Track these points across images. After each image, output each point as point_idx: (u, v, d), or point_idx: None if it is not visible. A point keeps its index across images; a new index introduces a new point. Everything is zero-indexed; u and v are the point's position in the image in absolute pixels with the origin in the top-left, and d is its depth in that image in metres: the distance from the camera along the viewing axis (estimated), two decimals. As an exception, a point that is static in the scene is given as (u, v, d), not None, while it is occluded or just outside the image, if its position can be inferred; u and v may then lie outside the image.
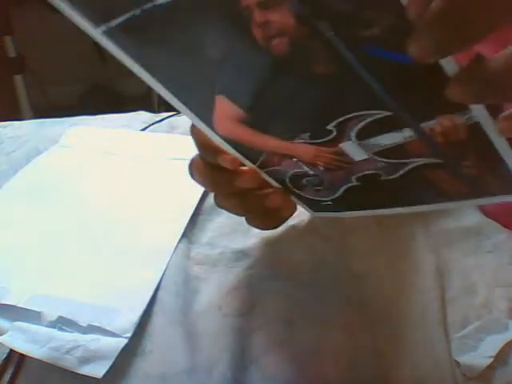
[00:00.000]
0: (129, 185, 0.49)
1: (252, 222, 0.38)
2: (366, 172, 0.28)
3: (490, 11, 0.14)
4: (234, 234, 0.43)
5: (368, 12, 0.17)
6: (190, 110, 0.28)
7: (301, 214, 0.44)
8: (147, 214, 0.45)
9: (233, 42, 0.22)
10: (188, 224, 0.44)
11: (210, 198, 0.47)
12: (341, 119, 0.24)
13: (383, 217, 0.43)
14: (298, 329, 0.35)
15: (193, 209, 0.45)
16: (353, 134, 0.25)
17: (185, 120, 0.61)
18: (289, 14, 0.19)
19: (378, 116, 0.22)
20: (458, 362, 0.32)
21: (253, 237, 0.42)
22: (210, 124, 0.29)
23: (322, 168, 0.29)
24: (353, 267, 0.39)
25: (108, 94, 2.11)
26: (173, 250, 0.41)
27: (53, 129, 0.60)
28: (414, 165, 0.25)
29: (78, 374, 0.31)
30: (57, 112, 0.74)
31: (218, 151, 0.31)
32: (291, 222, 0.43)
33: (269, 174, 0.33)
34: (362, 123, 0.24)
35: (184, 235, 0.43)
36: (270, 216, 0.37)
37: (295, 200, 0.36)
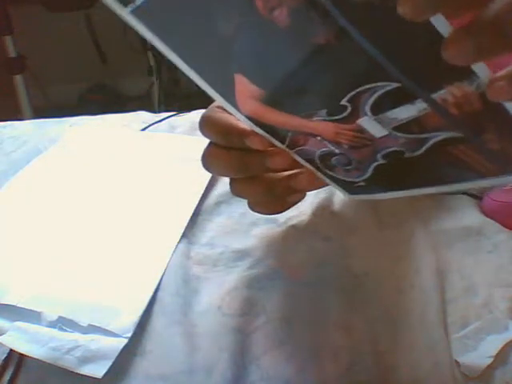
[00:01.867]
0: (129, 185, 0.49)
1: (259, 206, 0.37)
2: (390, 149, 0.28)
3: None
4: (234, 234, 0.43)
5: None
6: (215, 89, 0.27)
7: (301, 214, 0.44)
8: (147, 214, 0.45)
9: (241, 17, 0.22)
10: (188, 224, 0.44)
11: (210, 198, 0.47)
12: (352, 93, 0.24)
13: (383, 216, 0.43)
14: (297, 329, 0.35)
15: (193, 209, 0.45)
16: (367, 109, 0.24)
17: (185, 120, 0.61)
18: None
19: (388, 88, 0.22)
20: (458, 362, 0.32)
21: (253, 237, 0.42)
22: (234, 104, 0.28)
23: (346, 146, 0.29)
24: (353, 267, 0.39)
25: (108, 94, 2.11)
26: (173, 250, 0.41)
27: (53, 129, 0.60)
28: (436, 140, 0.25)
29: (78, 374, 0.31)
30: (57, 112, 0.74)
31: (244, 133, 0.30)
32: (291, 222, 0.43)
33: (299, 154, 0.32)
34: (374, 96, 0.23)
35: (184, 235, 0.43)
36: (283, 200, 0.36)
37: (330, 183, 0.34)
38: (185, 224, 0.44)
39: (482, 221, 0.42)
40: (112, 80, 2.05)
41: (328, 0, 0.19)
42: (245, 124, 0.30)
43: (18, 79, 1.56)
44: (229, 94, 0.28)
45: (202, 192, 0.47)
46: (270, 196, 0.35)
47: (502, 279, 0.37)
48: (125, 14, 0.22)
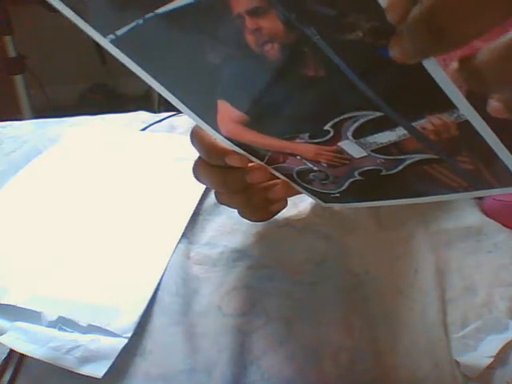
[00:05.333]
0: (129, 185, 0.49)
1: (246, 215, 0.39)
2: (367, 168, 0.29)
3: (469, 22, 0.14)
4: (234, 234, 0.43)
5: (349, 16, 0.18)
6: (195, 112, 0.28)
7: (301, 214, 0.44)
8: (147, 214, 0.45)
9: (229, 48, 0.23)
10: (188, 224, 0.44)
11: (210, 198, 0.47)
12: (336, 120, 0.25)
13: (383, 216, 0.43)
14: (297, 329, 0.35)
15: (193, 209, 0.45)
16: (349, 134, 0.26)
17: (185, 120, 0.61)
18: (277, 20, 0.20)
19: (371, 116, 0.23)
20: (458, 362, 0.32)
21: (253, 237, 0.42)
22: (214, 126, 0.30)
23: (324, 165, 0.30)
24: (353, 267, 0.39)
25: (108, 94, 2.11)
26: (173, 250, 0.41)
27: (53, 129, 0.60)
28: (412, 160, 0.26)
29: (78, 374, 0.31)
30: (57, 112, 0.74)
31: (224, 152, 0.32)
32: (291, 221, 0.43)
33: (276, 169, 0.34)
34: (357, 123, 0.24)
35: (184, 235, 0.43)
36: (267, 209, 0.38)
37: (306, 193, 0.37)
38: (185, 224, 0.44)
39: (483, 221, 0.42)
40: (112, 80, 2.05)
41: (319, 36, 0.19)
42: (224, 143, 0.32)
43: (18, 79, 1.56)
44: (209, 117, 0.29)
45: (201, 192, 0.47)
46: (250, 207, 0.38)
47: (502, 279, 0.37)
48: (104, 43, 0.22)
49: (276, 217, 0.43)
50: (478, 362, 0.32)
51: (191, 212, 0.45)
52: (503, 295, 0.36)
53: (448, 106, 0.20)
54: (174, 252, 0.41)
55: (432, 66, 0.17)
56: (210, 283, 0.38)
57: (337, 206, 0.36)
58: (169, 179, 0.49)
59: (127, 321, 0.34)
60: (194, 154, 0.35)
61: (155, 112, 0.65)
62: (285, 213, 0.41)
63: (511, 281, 0.37)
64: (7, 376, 0.32)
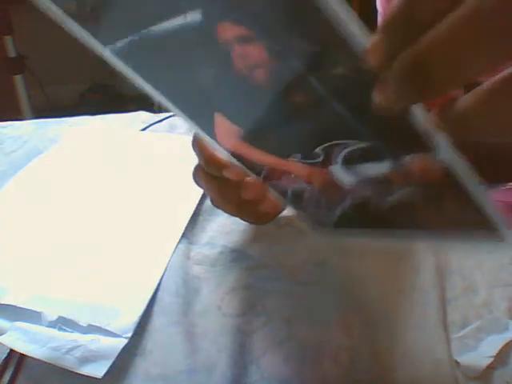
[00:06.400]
0: (129, 185, 0.49)
1: (241, 219, 0.40)
2: (358, 197, 0.29)
3: (458, 70, 0.14)
4: (234, 234, 0.43)
5: (333, 54, 0.18)
6: (195, 122, 0.29)
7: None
8: (147, 214, 0.45)
9: (219, 70, 0.23)
10: (188, 224, 0.44)
11: (210, 198, 0.47)
12: (326, 144, 0.25)
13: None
14: (297, 329, 0.35)
15: (193, 209, 0.45)
16: (339, 160, 0.26)
17: (185, 120, 0.61)
18: (263, 50, 0.20)
19: (359, 146, 0.23)
20: (458, 362, 0.32)
21: (252, 237, 0.42)
22: (213, 136, 0.30)
23: (316, 189, 0.30)
24: (353, 267, 0.39)
25: (108, 94, 2.11)
26: (173, 250, 0.41)
27: (53, 129, 0.60)
28: (402, 194, 0.26)
29: (78, 373, 0.31)
30: (57, 112, 0.74)
31: (222, 165, 0.32)
32: (291, 221, 0.43)
33: (272, 187, 0.34)
34: (347, 150, 0.24)
35: (184, 235, 0.43)
36: (260, 218, 0.39)
37: (298, 215, 0.36)
38: (185, 224, 0.44)
39: (482, 221, 0.42)
40: (112, 80, 2.05)
41: (304, 68, 0.19)
42: (222, 154, 0.32)
43: (18, 79, 1.56)
44: (208, 128, 0.29)
45: (202, 192, 0.47)
46: (243, 215, 0.39)
47: (502, 279, 0.37)
48: (104, 53, 0.22)
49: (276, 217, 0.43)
50: (478, 362, 0.32)
51: (191, 212, 0.45)
52: (503, 295, 0.36)
53: (431, 144, 0.19)
54: (174, 252, 0.41)
55: (415, 108, 0.17)
56: (209, 283, 0.38)
57: (328, 234, 0.36)
58: (169, 179, 0.49)
59: (127, 321, 0.34)
60: (193, 154, 0.35)
61: (155, 112, 0.65)
62: (285, 213, 0.41)
63: (511, 281, 0.37)
64: (7, 376, 0.32)
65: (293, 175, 0.30)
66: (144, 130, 0.60)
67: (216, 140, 0.30)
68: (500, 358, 0.32)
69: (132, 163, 0.52)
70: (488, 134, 0.15)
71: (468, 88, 0.16)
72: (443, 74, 0.14)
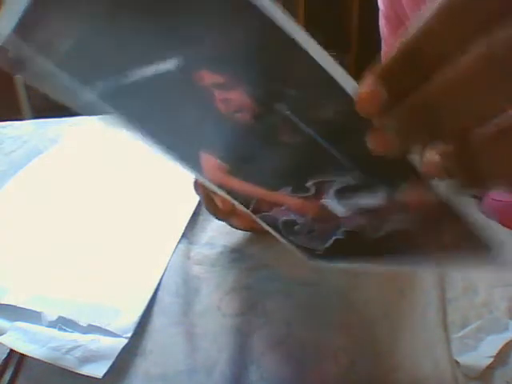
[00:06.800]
0: (129, 185, 0.49)
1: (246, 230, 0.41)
2: (351, 227, 0.29)
3: (465, 115, 0.14)
4: (234, 234, 0.43)
5: (317, 98, 0.18)
6: (180, 160, 0.28)
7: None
8: (147, 214, 0.45)
9: (202, 112, 0.23)
10: (188, 224, 0.44)
11: (210, 198, 0.47)
12: (316, 180, 0.25)
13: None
14: (297, 329, 0.35)
15: (193, 209, 0.45)
16: (331, 193, 0.25)
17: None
18: (245, 96, 0.19)
19: (351, 182, 0.23)
20: (458, 362, 0.32)
21: (252, 237, 0.42)
22: (201, 172, 0.29)
23: (309, 218, 0.30)
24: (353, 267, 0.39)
25: (108, 94, 2.10)
26: (173, 250, 0.41)
27: (53, 129, 0.60)
28: (395, 224, 0.26)
29: (78, 373, 0.31)
30: (57, 112, 0.74)
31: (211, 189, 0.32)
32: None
33: (262, 219, 0.34)
34: (338, 185, 0.24)
35: (184, 235, 0.43)
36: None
37: (290, 248, 0.36)
38: (185, 224, 0.44)
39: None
40: (112, 80, 2.05)
41: (289, 112, 0.19)
42: (212, 188, 0.31)
43: (18, 79, 1.56)
44: (196, 166, 0.29)
45: (202, 192, 0.47)
46: (246, 226, 0.40)
47: (502, 279, 0.37)
48: (84, 95, 0.22)
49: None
50: (478, 362, 0.32)
51: (191, 212, 0.45)
52: (503, 295, 0.36)
53: (426, 178, 0.19)
54: (174, 252, 0.41)
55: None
56: (209, 283, 0.38)
57: (320, 264, 0.35)
58: (169, 179, 0.49)
59: (127, 321, 0.34)
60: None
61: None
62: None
63: (511, 281, 0.37)
64: (7, 376, 0.32)
65: (283, 207, 0.30)
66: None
67: (204, 176, 0.30)
68: (500, 357, 0.32)
69: (132, 163, 0.52)
70: (493, 179, 0.15)
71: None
72: (455, 117, 0.14)
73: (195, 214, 0.45)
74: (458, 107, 0.14)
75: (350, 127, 0.18)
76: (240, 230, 0.40)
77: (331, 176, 0.23)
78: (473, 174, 0.15)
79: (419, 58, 0.14)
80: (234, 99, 0.20)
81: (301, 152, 0.23)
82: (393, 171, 0.20)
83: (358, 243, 0.30)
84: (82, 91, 0.22)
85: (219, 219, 0.38)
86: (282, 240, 0.35)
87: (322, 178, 0.24)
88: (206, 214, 0.45)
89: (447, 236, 0.24)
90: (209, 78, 0.19)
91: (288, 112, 0.19)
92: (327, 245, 0.32)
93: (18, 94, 1.58)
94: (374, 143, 0.16)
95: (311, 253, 0.35)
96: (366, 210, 0.25)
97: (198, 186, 0.36)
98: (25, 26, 0.17)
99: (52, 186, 0.49)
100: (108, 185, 0.49)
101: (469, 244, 0.23)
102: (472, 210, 0.21)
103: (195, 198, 0.46)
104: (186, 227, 0.43)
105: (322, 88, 0.17)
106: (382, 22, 0.53)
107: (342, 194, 0.25)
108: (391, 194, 0.22)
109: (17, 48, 0.19)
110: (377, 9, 0.53)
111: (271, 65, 0.17)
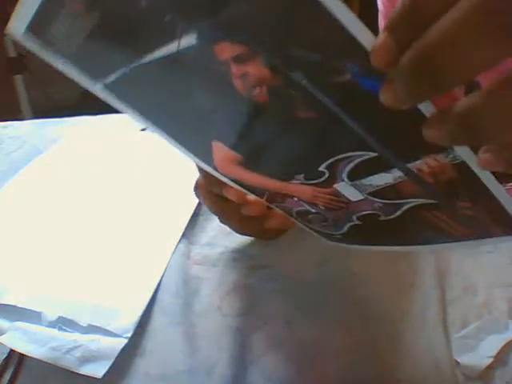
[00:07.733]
0: (129, 185, 0.49)
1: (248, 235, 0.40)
2: (365, 212, 0.28)
3: (466, 61, 0.14)
4: (234, 234, 0.43)
5: (335, 60, 0.18)
6: (192, 152, 0.28)
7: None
8: (147, 214, 0.45)
9: (218, 93, 0.23)
10: (188, 224, 0.44)
11: (210, 198, 0.47)
12: (330, 161, 0.24)
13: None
14: (297, 329, 0.35)
15: (193, 209, 0.45)
16: (344, 175, 0.25)
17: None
18: (263, 66, 0.19)
19: (366, 157, 0.23)
20: (458, 362, 0.32)
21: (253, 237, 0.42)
22: (212, 165, 0.29)
23: (322, 207, 0.30)
24: (353, 267, 0.39)
25: (108, 94, 2.10)
26: (173, 250, 0.41)
27: (53, 129, 0.60)
28: (411, 205, 0.25)
29: (78, 373, 0.31)
30: (57, 112, 0.74)
31: (222, 183, 0.32)
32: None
33: (278, 207, 0.34)
34: (352, 164, 0.24)
35: (184, 235, 0.43)
36: (265, 234, 0.39)
37: (309, 231, 0.36)
38: (185, 224, 0.44)
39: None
40: (112, 80, 2.05)
41: (306, 80, 0.19)
42: (223, 180, 0.31)
43: (18, 79, 1.56)
44: (206, 156, 0.28)
45: (202, 192, 0.47)
46: (247, 231, 0.39)
47: (501, 279, 0.37)
48: (96, 89, 0.22)
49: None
50: (478, 362, 0.32)
51: (191, 212, 0.45)
52: (503, 295, 0.36)
53: (443, 146, 0.19)
54: (174, 252, 0.41)
55: (425, 106, 0.17)
56: (210, 283, 0.38)
57: (342, 246, 0.35)
58: (169, 179, 0.49)
59: (127, 321, 0.34)
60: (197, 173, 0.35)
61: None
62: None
63: (511, 281, 0.37)
64: (7, 376, 0.32)
65: (296, 198, 0.30)
66: (144, 130, 0.60)
67: (215, 167, 0.29)
68: (500, 358, 0.32)
69: (132, 163, 0.52)
70: (491, 134, 0.15)
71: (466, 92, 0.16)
72: (452, 66, 0.14)
73: (195, 214, 0.45)
74: (456, 54, 0.14)
75: (367, 94, 0.18)
76: (241, 234, 0.40)
77: (347, 151, 0.23)
78: (467, 131, 0.15)
79: (420, 8, 0.14)
80: (251, 73, 0.20)
81: (316, 129, 0.23)
82: (410, 142, 0.20)
83: (374, 226, 0.29)
84: (94, 85, 0.22)
85: (222, 221, 0.38)
86: (299, 225, 0.35)
87: (337, 156, 0.24)
88: (206, 214, 0.45)
89: (468, 209, 0.23)
90: (229, 50, 0.19)
91: (304, 81, 0.19)
92: (343, 231, 0.32)
93: (17, 94, 1.58)
94: (384, 95, 0.16)
95: (329, 237, 0.35)
96: (381, 190, 0.25)
97: (198, 189, 0.36)
98: (39, 23, 0.18)
99: (52, 186, 0.49)
100: (108, 185, 0.49)
101: (494, 215, 0.23)
102: (497, 184, 0.20)
103: (195, 198, 0.46)
104: (186, 227, 0.43)
105: (341, 47, 0.17)
106: (381, 22, 0.53)
107: (355, 175, 0.24)
108: (407, 169, 0.22)
109: (31, 44, 0.19)
110: (376, 9, 0.53)
111: (289, 26, 0.17)
